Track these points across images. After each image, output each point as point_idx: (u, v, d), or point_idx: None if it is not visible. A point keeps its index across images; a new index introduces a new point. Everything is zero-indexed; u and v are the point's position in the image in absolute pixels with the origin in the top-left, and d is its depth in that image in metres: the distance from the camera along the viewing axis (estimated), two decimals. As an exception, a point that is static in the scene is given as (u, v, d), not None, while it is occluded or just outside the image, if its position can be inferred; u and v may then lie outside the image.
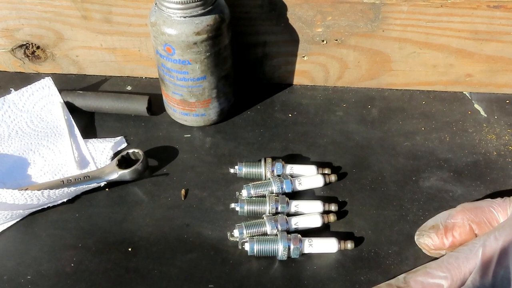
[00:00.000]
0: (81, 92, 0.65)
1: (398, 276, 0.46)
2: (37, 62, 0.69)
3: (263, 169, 0.56)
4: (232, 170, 0.57)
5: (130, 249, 0.51)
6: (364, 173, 0.58)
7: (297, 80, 0.69)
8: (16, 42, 0.67)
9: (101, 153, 0.60)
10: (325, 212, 0.53)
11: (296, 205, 0.53)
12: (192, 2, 0.52)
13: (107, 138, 0.61)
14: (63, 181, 0.55)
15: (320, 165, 0.57)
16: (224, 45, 0.57)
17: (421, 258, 0.50)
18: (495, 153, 0.60)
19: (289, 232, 0.51)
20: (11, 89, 0.64)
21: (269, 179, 0.55)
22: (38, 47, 0.68)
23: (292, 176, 0.56)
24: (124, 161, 0.58)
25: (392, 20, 0.61)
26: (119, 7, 0.62)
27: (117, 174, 0.56)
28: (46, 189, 0.52)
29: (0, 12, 0.64)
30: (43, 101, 0.64)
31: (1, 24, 0.65)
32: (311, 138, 0.62)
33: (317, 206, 0.53)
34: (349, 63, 0.66)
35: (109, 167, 0.57)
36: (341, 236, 0.51)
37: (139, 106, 0.63)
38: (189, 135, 0.62)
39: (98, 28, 0.65)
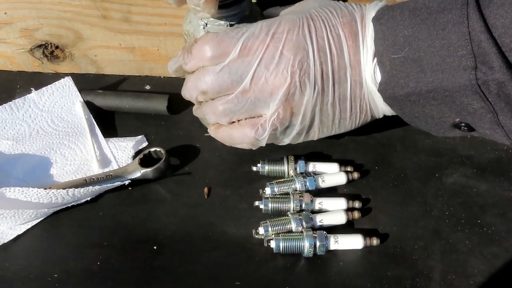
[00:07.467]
0: (101, 91, 0.65)
1: None
2: (56, 62, 0.69)
3: (286, 167, 0.56)
4: (254, 168, 0.57)
5: (155, 247, 0.51)
6: (386, 170, 0.58)
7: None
8: (35, 42, 0.67)
9: (122, 152, 0.60)
10: (349, 209, 0.53)
11: (320, 203, 0.53)
12: None
13: (128, 137, 0.61)
14: (86, 179, 0.55)
15: (342, 162, 0.57)
16: None
17: (448, 253, 0.50)
18: (517, 149, 0.60)
19: (314, 229, 0.51)
20: (31, 88, 0.64)
21: (292, 176, 0.55)
22: (57, 47, 0.68)
23: (314, 173, 0.56)
24: (146, 160, 0.57)
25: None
26: (139, 6, 0.62)
27: (139, 172, 0.56)
28: (70, 188, 0.52)
29: (20, 11, 0.64)
30: (63, 100, 0.64)
31: (20, 24, 0.65)
32: (332, 136, 0.61)
33: (341, 203, 0.53)
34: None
35: (132, 165, 0.57)
36: (366, 233, 0.51)
37: (160, 105, 0.63)
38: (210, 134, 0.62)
39: (117, 28, 0.65)
